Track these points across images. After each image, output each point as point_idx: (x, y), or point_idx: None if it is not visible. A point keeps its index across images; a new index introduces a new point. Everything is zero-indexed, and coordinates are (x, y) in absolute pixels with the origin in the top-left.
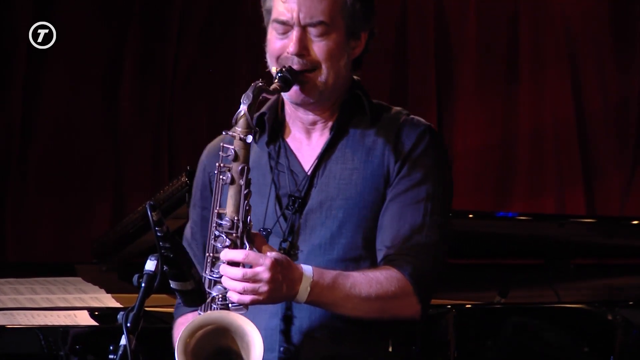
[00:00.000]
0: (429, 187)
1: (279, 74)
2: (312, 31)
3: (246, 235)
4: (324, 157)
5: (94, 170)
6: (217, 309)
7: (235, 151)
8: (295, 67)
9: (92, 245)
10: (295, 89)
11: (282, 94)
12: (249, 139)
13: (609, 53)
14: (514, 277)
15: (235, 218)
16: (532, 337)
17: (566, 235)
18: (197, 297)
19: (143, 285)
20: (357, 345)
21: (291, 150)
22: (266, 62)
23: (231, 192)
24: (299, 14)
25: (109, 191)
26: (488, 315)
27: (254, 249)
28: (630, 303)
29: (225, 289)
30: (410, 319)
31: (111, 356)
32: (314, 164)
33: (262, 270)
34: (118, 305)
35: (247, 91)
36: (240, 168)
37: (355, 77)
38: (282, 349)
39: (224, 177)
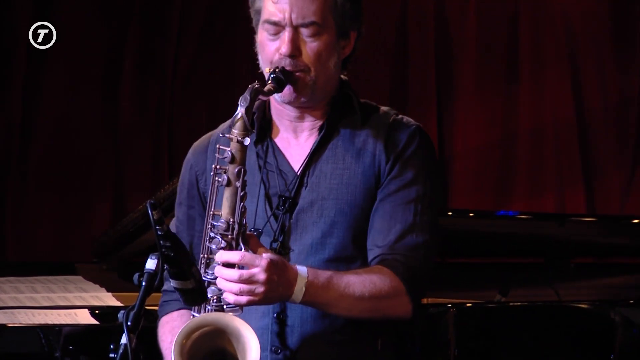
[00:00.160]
0: (419, 188)
1: (272, 75)
2: (304, 32)
3: (241, 237)
4: (314, 157)
5: (94, 170)
6: (211, 310)
7: (232, 153)
8: (288, 67)
9: (92, 244)
10: (288, 88)
11: (271, 95)
12: (247, 141)
13: (609, 53)
14: (514, 276)
15: (231, 220)
16: (532, 336)
17: (566, 234)
18: (197, 295)
19: (144, 284)
20: (347, 343)
21: (279, 150)
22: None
23: (227, 194)
24: (290, 15)
25: (109, 191)
26: (488, 314)
27: (249, 250)
28: (631, 302)
29: (219, 290)
30: (401, 318)
31: (112, 355)
32: (304, 163)
33: (258, 272)
34: (119, 304)
35: (245, 94)
36: (237, 170)
37: (343, 76)
38: (273, 348)
39: (219, 179)
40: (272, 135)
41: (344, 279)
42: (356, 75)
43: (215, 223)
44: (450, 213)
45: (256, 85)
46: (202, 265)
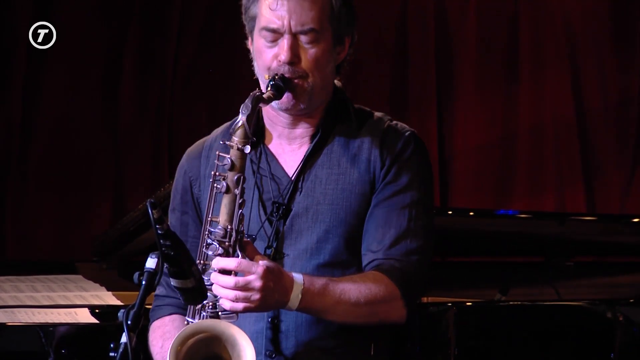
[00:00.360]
0: (414, 193)
1: (271, 82)
2: (303, 38)
3: (238, 244)
4: (308, 162)
5: (94, 170)
6: (207, 316)
7: (231, 160)
8: (287, 74)
9: (93, 243)
10: (287, 96)
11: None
12: (247, 149)
13: (609, 52)
14: (514, 275)
15: (229, 227)
16: (532, 335)
17: (566, 233)
18: (197, 294)
19: (144, 282)
20: (341, 348)
21: (272, 156)
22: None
23: (225, 200)
24: (289, 22)
25: (109, 191)
26: (488, 313)
27: (246, 257)
28: (631, 301)
29: (215, 296)
30: (396, 323)
31: (112, 354)
32: (299, 168)
33: (254, 279)
34: (119, 303)
35: (246, 101)
36: (236, 177)
37: (337, 82)
38: (267, 352)
39: (218, 186)
40: (265, 141)
41: (339, 285)
42: (356, 75)
43: (212, 229)
44: (450, 212)
45: (257, 92)
46: None
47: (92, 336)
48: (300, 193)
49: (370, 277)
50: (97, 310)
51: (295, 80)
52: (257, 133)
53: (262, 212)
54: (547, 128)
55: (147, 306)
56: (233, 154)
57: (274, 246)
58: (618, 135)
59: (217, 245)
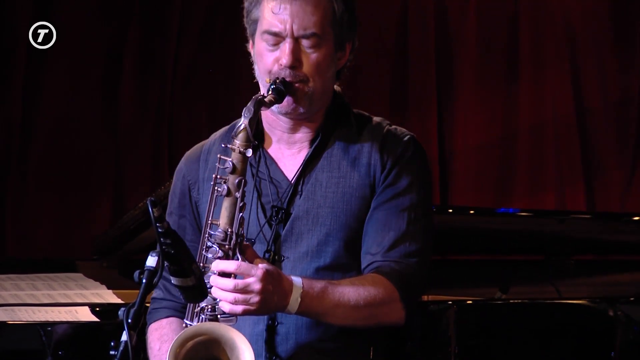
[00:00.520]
0: (413, 196)
1: (273, 86)
2: (305, 43)
3: (238, 247)
4: (308, 166)
5: (94, 170)
6: (206, 319)
7: (233, 163)
8: (288, 78)
9: (93, 241)
10: (287, 100)
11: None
12: (249, 152)
13: (609, 52)
14: (514, 273)
15: (229, 230)
16: (532, 334)
17: (567, 231)
18: (198, 293)
19: (144, 281)
20: (340, 351)
21: (272, 159)
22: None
23: (226, 203)
24: (292, 26)
25: (109, 191)
26: (489, 311)
27: (246, 260)
28: (631, 299)
29: (214, 299)
30: (395, 325)
31: (112, 352)
32: (298, 171)
33: (254, 281)
34: (119, 301)
35: (249, 104)
36: (237, 181)
37: (336, 87)
38: (267, 355)
39: (219, 189)
40: (264, 145)
41: (338, 288)
42: (356, 75)
43: (212, 232)
44: (450, 210)
45: (259, 96)
46: None
47: (92, 334)
48: (300, 196)
49: (369, 280)
50: (97, 309)
51: (296, 84)
52: (256, 137)
53: (261, 215)
54: (547, 128)
55: (147, 304)
56: (235, 157)
57: (273, 249)
58: (618, 134)
59: (217, 248)
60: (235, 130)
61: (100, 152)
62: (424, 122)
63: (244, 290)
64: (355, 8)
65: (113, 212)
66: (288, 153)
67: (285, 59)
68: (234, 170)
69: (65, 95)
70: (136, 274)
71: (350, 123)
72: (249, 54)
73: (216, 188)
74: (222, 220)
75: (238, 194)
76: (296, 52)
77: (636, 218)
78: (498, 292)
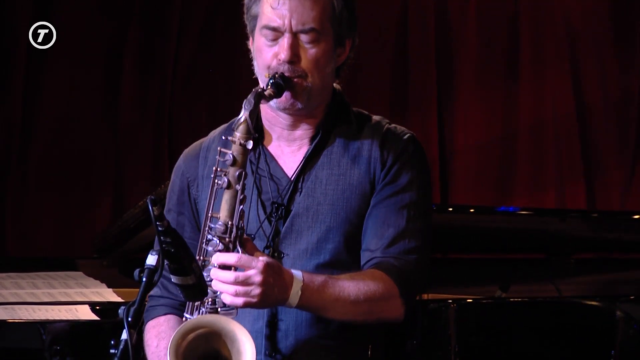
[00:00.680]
0: (413, 194)
1: (272, 81)
2: (303, 38)
3: (238, 240)
4: (309, 163)
5: (94, 170)
6: (205, 312)
7: (233, 156)
8: (286, 73)
9: (94, 240)
10: (286, 95)
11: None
12: (249, 144)
13: (610, 52)
14: (514, 271)
15: (229, 223)
16: (532, 332)
17: (567, 230)
18: (198, 291)
19: (144, 279)
20: (339, 349)
21: (272, 157)
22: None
23: (226, 196)
24: (290, 21)
25: (109, 191)
26: (489, 310)
27: (246, 253)
28: (631, 298)
29: (214, 292)
30: (394, 321)
31: (112, 350)
32: (298, 168)
33: (254, 274)
34: (119, 299)
35: (249, 97)
36: (238, 173)
37: (336, 85)
38: (267, 352)
39: (219, 182)
40: (264, 142)
41: (338, 282)
42: (356, 75)
43: (213, 225)
44: (450, 209)
45: (259, 89)
46: None
47: (92, 333)
48: (300, 194)
49: (369, 275)
50: (97, 307)
51: (295, 80)
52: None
53: (261, 212)
54: (547, 127)
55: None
56: (235, 149)
57: (272, 246)
58: (618, 134)
59: (218, 241)
60: (235, 122)
61: (101, 152)
62: (424, 122)
63: (245, 282)
64: (355, 4)
65: (113, 212)
66: (288, 150)
67: (284, 54)
68: (234, 163)
69: (65, 95)
70: (136, 272)
71: (350, 121)
72: (249, 54)
73: (216, 181)
74: (223, 213)
75: (238, 187)
76: (294, 47)
77: (636, 216)
78: (498, 291)
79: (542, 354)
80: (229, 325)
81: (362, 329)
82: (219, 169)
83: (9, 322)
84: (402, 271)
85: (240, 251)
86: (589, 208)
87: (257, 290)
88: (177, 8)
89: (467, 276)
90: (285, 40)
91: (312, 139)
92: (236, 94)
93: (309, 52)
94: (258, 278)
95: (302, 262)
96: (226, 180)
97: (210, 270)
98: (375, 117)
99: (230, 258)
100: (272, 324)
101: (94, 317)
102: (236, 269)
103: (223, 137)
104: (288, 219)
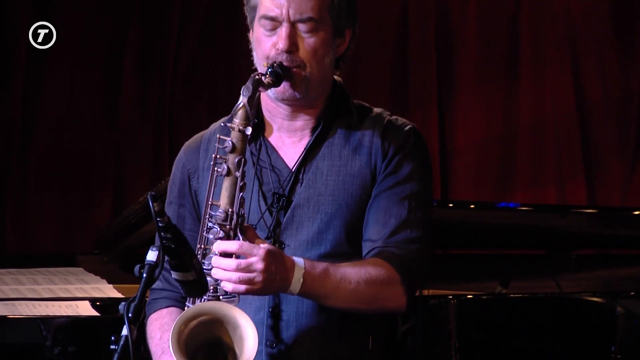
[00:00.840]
0: (414, 185)
1: (270, 69)
2: (301, 27)
3: (239, 228)
4: (310, 154)
5: (94, 170)
6: (207, 300)
7: (232, 142)
8: (285, 63)
9: (94, 236)
10: (284, 85)
11: (268, 90)
12: (248, 130)
13: (610, 51)
14: (515, 267)
15: (230, 210)
16: (533, 328)
17: (568, 226)
18: (198, 287)
19: (144, 275)
20: (340, 339)
21: (273, 148)
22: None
23: (226, 183)
24: (288, 10)
25: (109, 191)
26: (489, 306)
27: (247, 241)
28: (632, 293)
29: (216, 280)
30: (396, 311)
31: (112, 346)
32: (299, 159)
33: (256, 261)
34: (119, 295)
35: (247, 83)
36: (237, 160)
37: (337, 77)
38: (268, 342)
39: (219, 169)
40: (265, 133)
41: (340, 269)
42: (357, 73)
43: (213, 213)
44: (451, 205)
45: (257, 75)
46: (199, 256)
47: (93, 329)
48: (301, 184)
49: (371, 262)
50: (98, 303)
51: (294, 69)
52: (257, 126)
53: (262, 203)
54: (547, 126)
55: (147, 299)
56: (234, 135)
57: (273, 237)
58: (618, 133)
59: (218, 229)
60: (234, 109)
61: (101, 152)
62: (424, 121)
63: (246, 269)
64: None
65: (113, 212)
66: (289, 141)
67: (282, 43)
68: (233, 149)
69: (65, 95)
70: (136, 268)
71: (351, 112)
72: (249, 54)
73: (216, 168)
74: (223, 201)
75: (238, 173)
76: (292, 36)
77: (636, 212)
78: (499, 287)
79: (543, 350)
80: (231, 311)
81: (363, 319)
82: (218, 156)
83: (10, 318)
84: (404, 259)
85: (241, 238)
86: (589, 203)
87: (259, 278)
88: (177, 8)
89: (467, 272)
90: (283, 30)
91: (313, 130)
92: (236, 93)
93: (307, 41)
94: (260, 265)
95: (303, 253)
96: (226, 167)
97: (211, 258)
98: (376, 109)
99: (232, 245)
100: (274, 315)
101: (95, 313)
102: (237, 256)
103: (222, 124)
104: (289, 210)
